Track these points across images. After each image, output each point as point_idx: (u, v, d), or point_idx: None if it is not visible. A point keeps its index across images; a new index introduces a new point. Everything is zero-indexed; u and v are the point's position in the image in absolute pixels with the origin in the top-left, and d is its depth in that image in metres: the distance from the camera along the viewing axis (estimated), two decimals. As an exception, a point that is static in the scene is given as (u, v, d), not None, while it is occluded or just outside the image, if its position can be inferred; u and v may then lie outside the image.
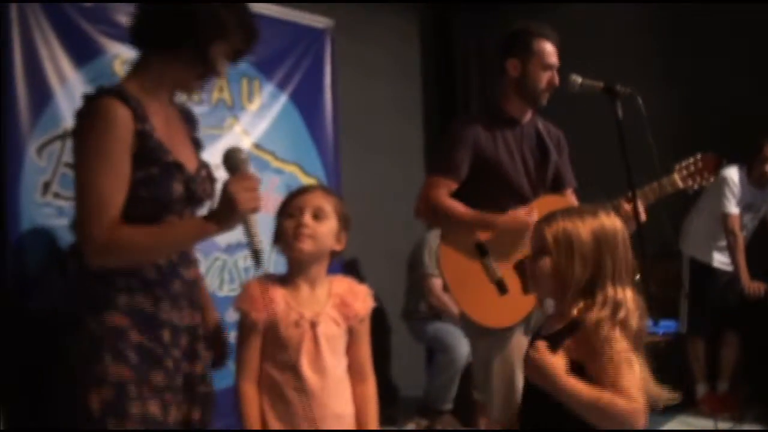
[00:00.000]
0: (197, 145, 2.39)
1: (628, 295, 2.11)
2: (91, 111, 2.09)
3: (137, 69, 2.22)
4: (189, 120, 2.39)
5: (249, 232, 2.18)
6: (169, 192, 2.14)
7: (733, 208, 5.30)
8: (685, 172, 3.36)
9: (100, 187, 2.04)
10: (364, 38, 6.31)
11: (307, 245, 2.51)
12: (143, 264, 2.12)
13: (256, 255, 2.18)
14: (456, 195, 3.36)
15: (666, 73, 5.82)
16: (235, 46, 2.26)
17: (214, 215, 2.14)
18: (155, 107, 2.19)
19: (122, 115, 2.07)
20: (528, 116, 3.49)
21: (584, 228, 2.15)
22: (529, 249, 2.25)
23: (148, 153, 2.12)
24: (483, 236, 3.27)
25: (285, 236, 2.54)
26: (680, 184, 3.34)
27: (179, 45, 2.17)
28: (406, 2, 6.77)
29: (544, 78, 3.35)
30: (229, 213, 2.11)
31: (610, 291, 2.10)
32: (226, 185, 2.13)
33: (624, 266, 2.15)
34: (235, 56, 2.29)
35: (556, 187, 3.53)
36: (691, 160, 3.39)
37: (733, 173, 5.29)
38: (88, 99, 2.13)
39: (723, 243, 5.40)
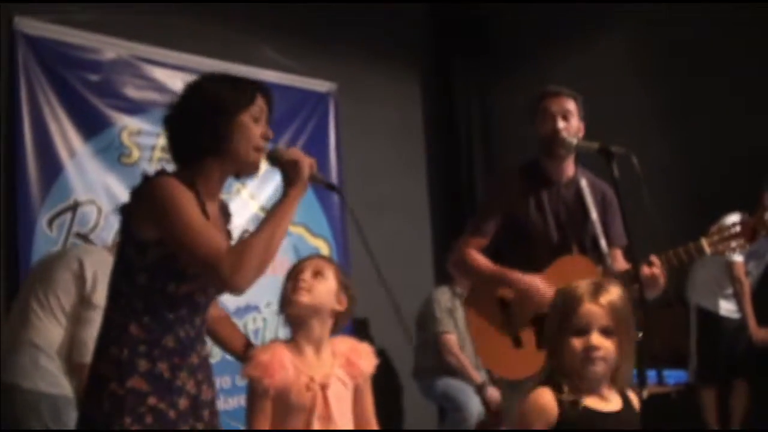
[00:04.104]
0: (229, 237, 2.49)
1: None
2: (162, 185, 2.19)
3: (183, 170, 2.30)
4: (225, 213, 2.50)
5: (319, 179, 2.38)
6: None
7: (737, 256, 5.30)
8: (716, 237, 3.32)
9: (202, 228, 2.14)
10: (366, 99, 6.41)
11: (304, 298, 2.61)
12: (259, 273, 2.19)
13: (333, 188, 2.53)
14: (494, 252, 3.53)
15: (664, 126, 5.89)
16: (252, 108, 2.32)
17: (288, 185, 2.29)
18: (202, 196, 2.29)
19: (188, 191, 2.20)
20: (567, 174, 3.53)
21: (627, 301, 2.22)
22: (590, 325, 2.20)
23: None
24: (506, 291, 3.42)
25: (285, 295, 2.66)
26: (708, 250, 3.29)
27: (208, 154, 2.28)
28: (407, 62, 6.89)
29: (545, 128, 3.43)
30: (297, 172, 2.28)
31: None
32: (282, 158, 2.31)
33: None
34: (262, 113, 2.36)
35: (600, 245, 3.49)
36: (726, 225, 3.39)
37: (735, 221, 5.30)
38: (151, 177, 2.23)
39: (729, 291, 5.40)
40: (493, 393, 5.20)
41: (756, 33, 5.47)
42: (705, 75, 5.71)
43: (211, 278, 2.18)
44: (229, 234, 2.48)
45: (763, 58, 5.44)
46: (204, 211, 2.22)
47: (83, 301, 3.54)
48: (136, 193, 2.23)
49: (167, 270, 2.19)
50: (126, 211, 2.26)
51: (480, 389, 5.26)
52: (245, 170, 2.36)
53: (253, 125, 2.30)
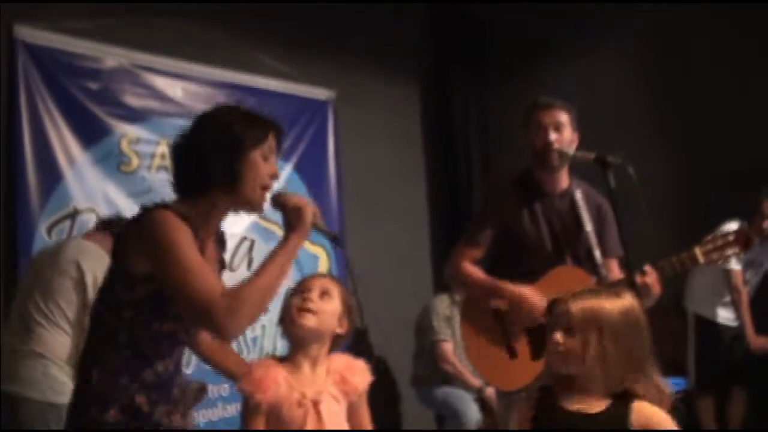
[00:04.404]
0: (222, 266, 2.49)
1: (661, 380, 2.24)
2: (160, 219, 2.16)
3: (185, 200, 2.28)
4: (220, 242, 2.49)
5: (322, 228, 2.39)
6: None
7: (735, 264, 5.31)
8: (710, 246, 3.31)
9: (198, 268, 2.12)
10: (365, 106, 6.42)
11: (310, 321, 2.58)
12: (259, 314, 2.20)
13: (335, 239, 2.47)
14: (489, 262, 3.57)
15: (663, 132, 5.91)
16: (264, 146, 2.32)
17: (290, 231, 2.30)
18: (202, 231, 2.28)
19: (186, 228, 2.18)
20: (561, 186, 3.55)
21: (613, 308, 2.21)
22: (557, 325, 2.26)
23: None
24: (499, 302, 3.44)
25: (290, 312, 2.61)
26: (701, 259, 3.28)
27: (215, 188, 2.27)
28: (406, 69, 6.91)
29: (538, 140, 3.46)
30: (299, 219, 2.29)
31: (654, 376, 2.22)
32: (286, 203, 2.33)
33: (650, 348, 2.24)
34: (272, 151, 2.36)
35: (594, 256, 3.50)
36: (720, 234, 3.39)
37: (729, 230, 5.31)
38: (149, 210, 2.20)
39: (727, 299, 5.41)
40: (493, 393, 5.18)
41: (755, 45, 5.49)
42: (703, 84, 5.72)
43: (203, 323, 2.17)
44: (222, 263, 2.47)
45: (763, 68, 5.45)
46: (201, 249, 2.21)
47: (86, 307, 3.52)
48: (134, 225, 2.22)
49: (153, 307, 2.18)
50: (120, 241, 2.25)
51: (479, 392, 5.27)
52: (249, 207, 2.35)
53: (263, 163, 2.29)
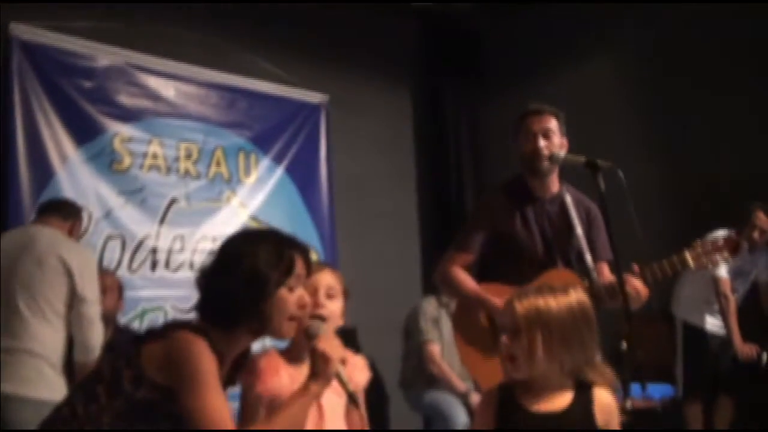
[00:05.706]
0: (230, 383, 2.45)
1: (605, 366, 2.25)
2: (193, 347, 2.13)
3: (212, 330, 2.23)
4: (238, 367, 2.45)
5: (342, 380, 2.31)
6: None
7: (723, 272, 5.35)
8: (700, 250, 3.33)
9: (215, 402, 2.09)
10: (357, 111, 6.46)
11: (322, 328, 2.54)
12: None
13: (352, 397, 2.34)
14: (481, 268, 3.58)
15: (653, 142, 5.94)
16: (291, 280, 2.28)
17: (313, 375, 2.25)
18: (224, 358, 2.26)
19: (215, 359, 2.16)
20: (551, 190, 3.56)
21: (560, 306, 2.20)
22: (504, 328, 2.28)
23: None
24: (484, 314, 3.45)
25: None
26: (691, 263, 3.31)
27: (240, 324, 2.25)
28: (398, 76, 6.94)
29: (528, 147, 3.47)
30: (325, 367, 2.24)
31: (600, 364, 2.23)
32: (315, 347, 2.27)
33: (596, 339, 2.24)
34: (299, 279, 2.33)
35: (585, 259, 3.50)
36: (710, 239, 3.42)
37: (719, 236, 5.33)
38: (185, 329, 2.18)
39: (715, 307, 5.44)
40: (478, 400, 5.18)
41: (746, 59, 5.52)
42: (695, 95, 5.76)
43: None
44: (231, 382, 2.43)
45: (752, 79, 5.49)
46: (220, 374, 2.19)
47: (75, 296, 3.57)
48: (166, 339, 2.16)
49: (146, 413, 2.15)
50: (144, 343, 2.19)
51: (464, 397, 5.27)
52: (276, 337, 2.33)
53: (290, 296, 2.27)
